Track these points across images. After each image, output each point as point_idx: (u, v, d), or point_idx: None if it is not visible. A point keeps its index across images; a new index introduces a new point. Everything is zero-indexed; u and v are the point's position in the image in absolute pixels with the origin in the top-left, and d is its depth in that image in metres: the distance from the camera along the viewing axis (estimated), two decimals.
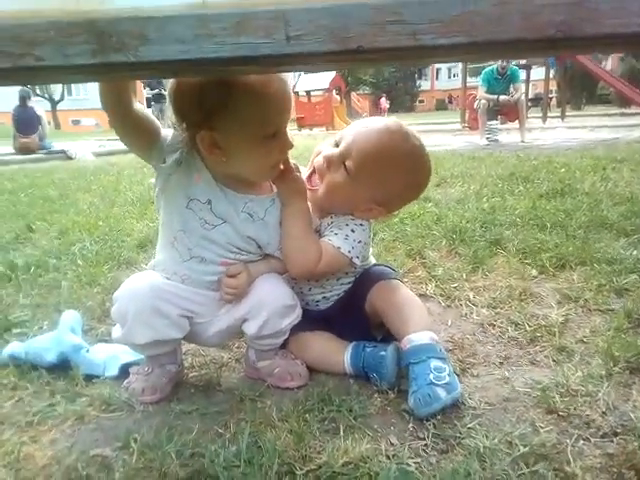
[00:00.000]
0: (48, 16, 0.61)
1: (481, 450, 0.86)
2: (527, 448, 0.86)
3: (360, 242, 1.20)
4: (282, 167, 1.12)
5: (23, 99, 9.03)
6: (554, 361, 1.20)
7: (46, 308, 1.64)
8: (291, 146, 1.09)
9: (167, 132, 1.08)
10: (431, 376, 1.00)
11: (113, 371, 1.21)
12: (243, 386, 1.15)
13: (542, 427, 0.93)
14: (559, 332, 1.33)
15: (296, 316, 1.16)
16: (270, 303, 1.11)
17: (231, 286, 1.11)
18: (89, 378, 1.19)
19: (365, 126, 1.20)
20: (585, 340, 1.29)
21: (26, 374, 1.19)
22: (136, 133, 1.05)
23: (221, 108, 0.97)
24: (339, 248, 1.17)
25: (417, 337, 1.08)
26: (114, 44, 0.60)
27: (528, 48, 0.65)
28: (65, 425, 1.01)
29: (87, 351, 1.25)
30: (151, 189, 4.32)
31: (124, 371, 1.20)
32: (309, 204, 1.20)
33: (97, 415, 1.04)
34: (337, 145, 1.20)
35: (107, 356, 1.25)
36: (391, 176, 1.17)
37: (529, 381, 1.11)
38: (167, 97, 1.04)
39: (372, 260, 1.37)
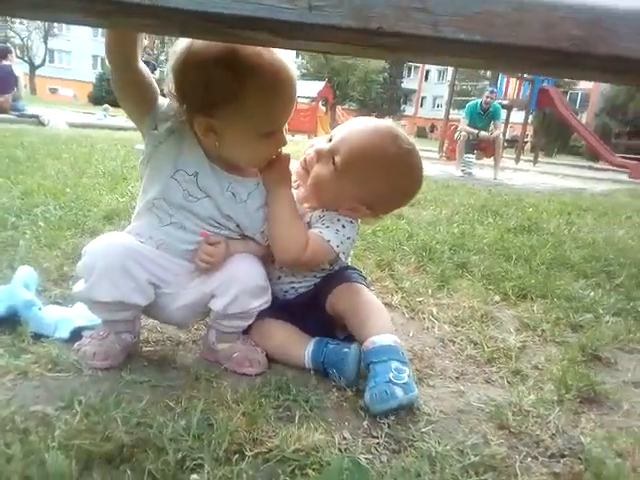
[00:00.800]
0: None
1: (433, 454, 0.86)
2: (477, 458, 0.86)
3: (349, 239, 1.20)
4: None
5: (1, 54, 8.68)
6: (509, 382, 1.22)
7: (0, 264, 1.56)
8: (285, 143, 1.10)
9: (163, 100, 1.07)
10: (391, 375, 1.00)
11: (64, 333, 1.16)
12: (199, 366, 1.12)
13: (493, 440, 0.94)
14: (515, 356, 1.36)
15: (266, 300, 1.15)
16: (241, 281, 1.09)
17: (208, 253, 1.09)
18: (37, 337, 1.13)
19: (358, 125, 1.21)
20: (540, 367, 1.32)
21: None
22: (135, 92, 1.03)
23: (227, 101, 0.97)
24: (329, 241, 1.17)
25: (380, 339, 1.08)
26: None
27: (542, 60, 0.66)
28: (5, 378, 0.96)
29: (39, 309, 1.19)
30: (135, 157, 4.23)
31: (76, 335, 1.15)
32: (296, 194, 1.20)
33: (41, 373, 0.99)
34: (331, 140, 1.20)
35: (59, 317, 1.20)
36: (376, 176, 1.17)
37: (483, 397, 1.12)
38: (170, 73, 1.02)
39: (348, 261, 1.36)
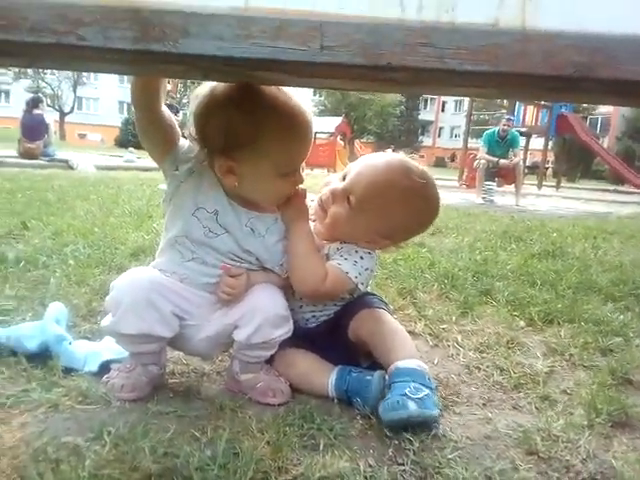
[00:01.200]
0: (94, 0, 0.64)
1: None
2: None
3: (367, 269, 1.22)
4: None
5: (32, 104, 9.13)
6: (537, 408, 1.20)
7: (31, 301, 1.61)
8: (302, 181, 1.14)
9: (184, 141, 1.12)
10: (407, 390, 1.01)
11: (93, 367, 1.19)
12: (223, 396, 1.13)
13: (522, 466, 0.92)
14: (543, 381, 1.33)
15: (288, 329, 1.16)
16: (263, 311, 1.11)
17: (230, 285, 1.11)
18: (68, 371, 1.16)
19: (370, 161, 1.24)
20: (568, 391, 1.29)
21: (4, 358, 1.17)
22: (158, 135, 1.08)
23: (246, 144, 1.01)
24: (347, 273, 1.18)
25: (404, 363, 1.08)
26: (156, 33, 0.63)
27: (546, 86, 0.69)
28: (38, 411, 0.98)
29: (69, 343, 1.23)
30: (159, 196, 4.34)
31: (104, 368, 1.18)
32: (314, 228, 1.23)
33: (72, 405, 1.02)
34: (344, 178, 1.23)
35: (89, 351, 1.23)
36: (391, 211, 1.19)
37: (511, 423, 1.10)
38: (191, 117, 1.07)
39: (367, 288, 1.37)
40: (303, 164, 1.13)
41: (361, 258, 1.22)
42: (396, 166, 1.20)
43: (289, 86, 1.01)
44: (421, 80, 0.73)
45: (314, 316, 1.29)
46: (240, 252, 1.14)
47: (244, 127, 1.00)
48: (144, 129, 1.07)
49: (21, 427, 0.92)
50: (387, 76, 0.69)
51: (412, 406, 0.99)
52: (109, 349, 1.25)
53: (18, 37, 0.62)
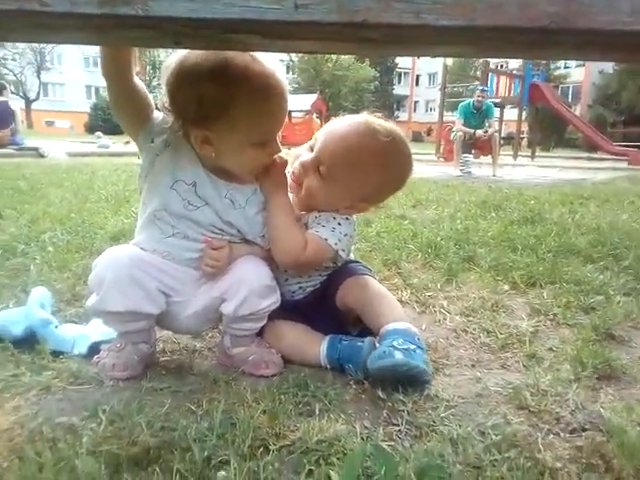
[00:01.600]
0: None
1: (454, 437, 0.87)
2: (499, 437, 0.87)
3: (346, 235, 1.22)
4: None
5: None
6: (524, 366, 1.23)
7: (13, 288, 1.59)
8: (279, 151, 1.13)
9: (158, 113, 1.09)
10: (394, 342, 1.03)
11: (82, 349, 1.17)
12: (216, 371, 1.13)
13: (513, 420, 0.95)
14: (529, 341, 1.36)
15: (275, 299, 1.16)
16: (249, 282, 1.11)
17: (213, 257, 1.11)
18: (56, 354, 1.15)
19: (334, 128, 1.21)
20: (554, 349, 1.33)
21: None
22: (131, 106, 1.06)
23: (220, 113, 1.00)
24: (326, 240, 1.18)
25: (393, 325, 1.11)
26: None
27: (523, 40, 0.69)
28: (30, 394, 0.97)
29: (56, 327, 1.21)
30: (137, 176, 4.26)
31: (93, 350, 1.17)
32: (292, 200, 1.22)
33: (64, 387, 1.01)
34: (312, 149, 1.22)
35: (77, 334, 1.21)
36: (364, 175, 1.18)
37: (500, 381, 1.13)
38: (163, 87, 1.04)
39: (351, 256, 1.38)
40: (279, 134, 1.12)
41: (339, 224, 1.21)
42: (361, 129, 1.17)
43: (264, 51, 0.99)
44: (398, 38, 0.72)
45: (300, 287, 1.29)
46: (221, 224, 1.13)
47: (216, 97, 0.98)
48: (116, 101, 1.05)
49: (14, 410, 0.91)
50: (363, 35, 0.68)
51: (398, 355, 1.01)
52: (97, 332, 1.24)
53: None
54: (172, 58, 1.02)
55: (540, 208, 3.62)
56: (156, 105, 1.10)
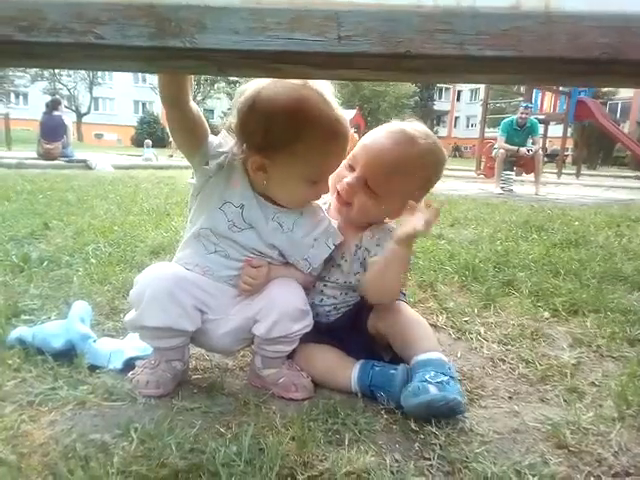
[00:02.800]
0: None
1: (488, 475, 0.84)
2: (536, 478, 0.83)
3: None
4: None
5: (52, 105, 9.26)
6: (565, 400, 1.17)
7: (55, 300, 1.64)
8: (327, 191, 1.16)
9: (212, 137, 1.13)
10: (427, 376, 1.01)
11: (117, 364, 1.20)
12: (247, 392, 1.13)
13: (552, 460, 0.90)
14: (570, 373, 1.30)
15: (307, 323, 1.16)
16: (282, 305, 1.11)
17: (251, 275, 1.12)
18: (93, 368, 1.18)
19: (374, 144, 1.21)
20: (597, 383, 1.26)
21: (31, 357, 1.19)
22: (188, 130, 1.10)
23: (283, 146, 1.04)
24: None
25: (425, 356, 1.08)
26: (172, 29, 0.62)
27: (573, 70, 0.66)
28: (65, 409, 1.00)
29: (94, 341, 1.24)
30: (177, 194, 4.36)
31: (128, 365, 1.19)
32: (338, 221, 1.24)
33: (98, 403, 1.03)
34: (351, 167, 1.21)
35: (113, 349, 1.24)
36: (412, 180, 1.21)
37: (539, 416, 1.08)
38: (234, 111, 1.09)
39: None
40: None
41: (384, 238, 1.22)
42: (400, 138, 1.19)
43: (307, 78, 1.00)
44: (441, 68, 0.71)
45: (335, 308, 1.28)
46: (263, 247, 1.16)
47: (284, 130, 1.03)
48: (174, 125, 1.09)
49: (50, 424, 0.94)
50: (406, 65, 0.67)
51: (433, 390, 0.98)
52: (132, 346, 1.27)
53: (38, 38, 0.62)
54: (249, 85, 1.07)
55: (585, 230, 3.49)
56: (212, 129, 1.15)
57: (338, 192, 1.23)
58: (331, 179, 1.22)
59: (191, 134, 1.10)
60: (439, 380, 0.99)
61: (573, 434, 0.99)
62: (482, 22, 0.61)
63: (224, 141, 1.13)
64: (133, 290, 1.10)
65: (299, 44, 0.62)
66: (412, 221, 1.11)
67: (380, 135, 1.22)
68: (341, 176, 1.23)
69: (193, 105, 1.05)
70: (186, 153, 1.14)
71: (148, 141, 14.80)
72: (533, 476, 0.84)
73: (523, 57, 0.61)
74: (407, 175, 1.18)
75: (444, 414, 1.00)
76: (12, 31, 0.63)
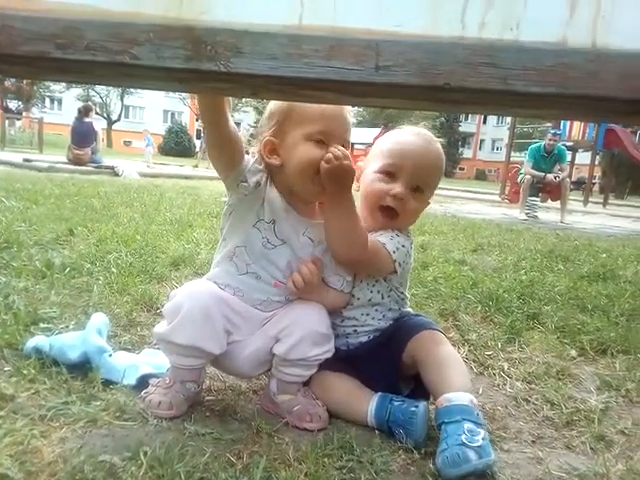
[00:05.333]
0: (149, 19, 0.63)
1: None
2: None
3: (404, 247, 1.21)
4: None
5: (84, 112, 9.49)
6: (592, 449, 1.12)
7: (75, 309, 1.64)
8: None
9: (248, 157, 1.14)
10: (463, 437, 0.93)
11: (131, 380, 1.18)
12: (260, 418, 1.10)
13: None
14: (598, 419, 1.24)
15: (328, 349, 1.14)
16: (305, 326, 1.11)
17: (303, 272, 1.12)
18: (107, 383, 1.16)
19: (415, 148, 1.22)
20: (626, 432, 1.20)
21: (46, 368, 1.18)
22: (226, 149, 1.10)
23: (283, 119, 1.10)
24: (384, 244, 1.18)
25: (456, 397, 1.02)
26: (208, 52, 0.62)
27: (620, 109, 0.63)
28: (77, 425, 0.98)
29: (110, 355, 1.23)
30: (200, 205, 4.38)
31: (142, 382, 1.18)
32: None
33: (110, 421, 1.01)
34: (390, 174, 1.20)
35: (128, 364, 1.23)
36: (439, 176, 1.28)
37: (564, 465, 1.03)
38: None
39: (409, 310, 1.33)
40: (348, 141, 1.15)
41: (397, 235, 1.22)
42: (429, 138, 1.25)
43: (344, 104, 1.00)
44: (482, 101, 0.69)
45: (355, 330, 1.25)
46: (298, 263, 1.15)
47: (280, 105, 1.11)
48: (213, 145, 1.11)
49: (60, 442, 0.92)
50: (445, 97, 0.65)
51: (473, 457, 0.91)
52: (148, 363, 1.25)
53: (74, 55, 0.62)
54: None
55: (613, 263, 3.39)
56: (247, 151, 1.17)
57: (382, 206, 1.20)
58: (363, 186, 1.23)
59: (228, 155, 1.11)
60: (478, 444, 0.93)
61: None
62: (527, 57, 0.59)
63: (258, 160, 1.14)
64: (169, 303, 1.11)
65: (336, 72, 0.61)
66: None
67: (410, 139, 1.24)
68: (378, 188, 1.20)
69: (232, 126, 1.06)
70: (221, 171, 1.14)
71: (146, 129, 14.85)
72: None
73: (569, 95, 0.59)
74: (440, 172, 1.27)
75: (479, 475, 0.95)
76: (50, 48, 0.63)
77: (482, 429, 0.97)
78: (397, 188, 1.18)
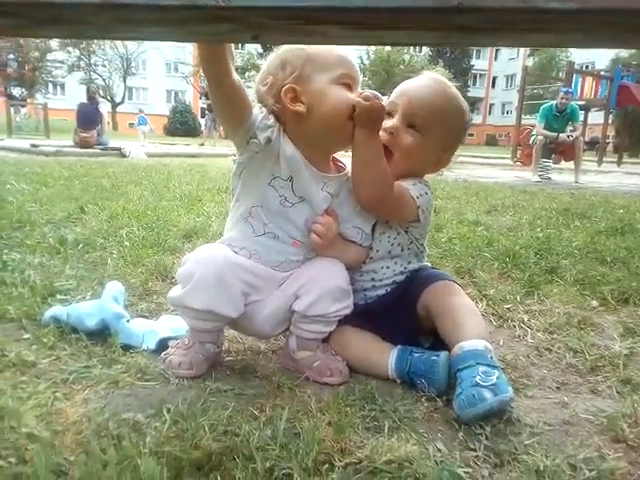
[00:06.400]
0: None
1: (541, 469, 0.78)
2: (594, 473, 0.77)
3: (427, 194, 1.20)
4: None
5: (89, 95, 9.46)
6: (618, 392, 1.10)
7: (90, 281, 1.64)
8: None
9: (257, 112, 1.08)
10: (477, 378, 0.93)
11: (151, 344, 1.18)
12: (281, 375, 1.10)
13: (609, 454, 0.84)
14: (623, 364, 1.22)
15: (347, 304, 1.13)
16: (324, 282, 1.10)
17: (322, 222, 1.11)
18: (126, 348, 1.17)
19: (414, 85, 1.23)
20: None
21: (66, 335, 1.19)
22: (231, 103, 1.05)
23: (302, 68, 1.07)
24: (408, 189, 1.16)
25: (469, 344, 1.01)
26: None
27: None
28: (99, 387, 0.98)
29: (127, 321, 1.23)
30: (209, 180, 4.36)
31: (161, 346, 1.18)
32: None
33: (132, 382, 1.01)
34: (389, 114, 1.18)
35: (146, 329, 1.23)
36: (450, 119, 1.21)
37: (591, 408, 1.02)
38: (264, 75, 1.11)
39: (427, 264, 1.31)
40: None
41: (419, 182, 1.21)
42: (436, 79, 1.23)
43: (345, 43, 0.96)
44: (495, 25, 0.64)
45: (373, 285, 1.24)
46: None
47: (299, 55, 1.08)
48: (217, 99, 1.06)
49: (83, 403, 0.92)
50: (456, 22, 0.61)
51: (488, 395, 0.90)
52: (166, 327, 1.25)
53: None
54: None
55: (631, 218, 3.32)
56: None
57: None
58: None
59: (234, 109, 1.06)
60: (492, 382, 0.92)
61: (631, 428, 0.92)
62: None
63: (268, 115, 1.08)
64: (182, 268, 1.09)
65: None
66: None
67: (414, 79, 1.25)
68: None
69: (236, 78, 1.01)
70: (228, 128, 1.11)
71: (141, 109, 14.75)
72: (590, 471, 0.78)
73: (590, 9, 0.55)
74: (448, 113, 1.20)
75: (498, 414, 0.94)
76: None
77: (497, 370, 0.96)
78: (389, 123, 1.17)
